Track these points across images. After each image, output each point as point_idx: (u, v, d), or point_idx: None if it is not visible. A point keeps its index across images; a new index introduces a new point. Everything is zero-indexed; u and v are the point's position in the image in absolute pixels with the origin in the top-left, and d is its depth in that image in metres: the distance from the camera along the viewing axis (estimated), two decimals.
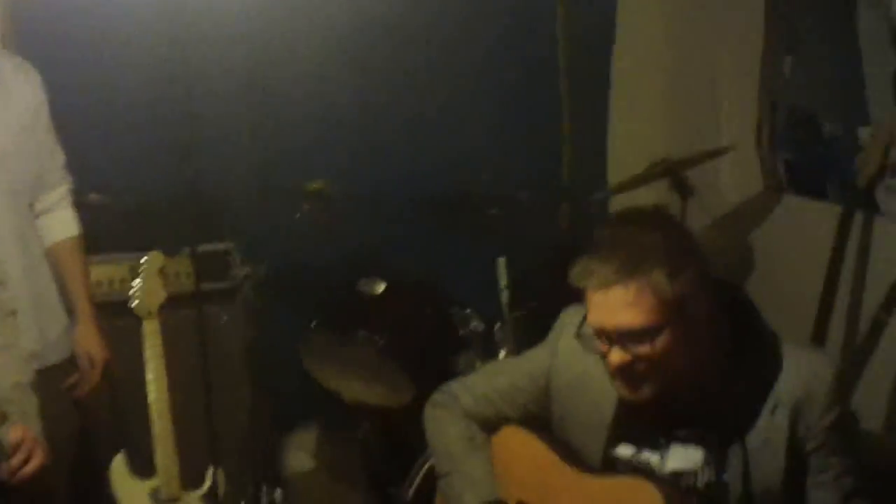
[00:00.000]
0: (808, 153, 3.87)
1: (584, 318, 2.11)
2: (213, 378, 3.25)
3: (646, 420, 2.17)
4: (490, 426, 2.44)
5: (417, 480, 3.27)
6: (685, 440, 2.16)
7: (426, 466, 3.24)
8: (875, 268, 3.54)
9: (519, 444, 2.39)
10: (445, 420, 2.45)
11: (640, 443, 2.21)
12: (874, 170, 3.39)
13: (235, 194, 3.88)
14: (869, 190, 3.45)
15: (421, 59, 4.31)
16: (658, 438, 2.18)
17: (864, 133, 3.53)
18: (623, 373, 2.06)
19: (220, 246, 3.71)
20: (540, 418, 2.38)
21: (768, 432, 2.08)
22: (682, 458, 2.17)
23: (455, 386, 2.49)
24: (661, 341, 2.00)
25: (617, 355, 2.04)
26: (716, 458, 2.13)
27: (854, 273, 3.59)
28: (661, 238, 2.03)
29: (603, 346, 2.07)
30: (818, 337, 3.46)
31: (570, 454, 2.30)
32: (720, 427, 2.11)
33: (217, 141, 3.73)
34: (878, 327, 3.25)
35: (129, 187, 3.83)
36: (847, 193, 3.51)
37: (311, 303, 3.68)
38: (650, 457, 2.20)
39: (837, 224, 3.48)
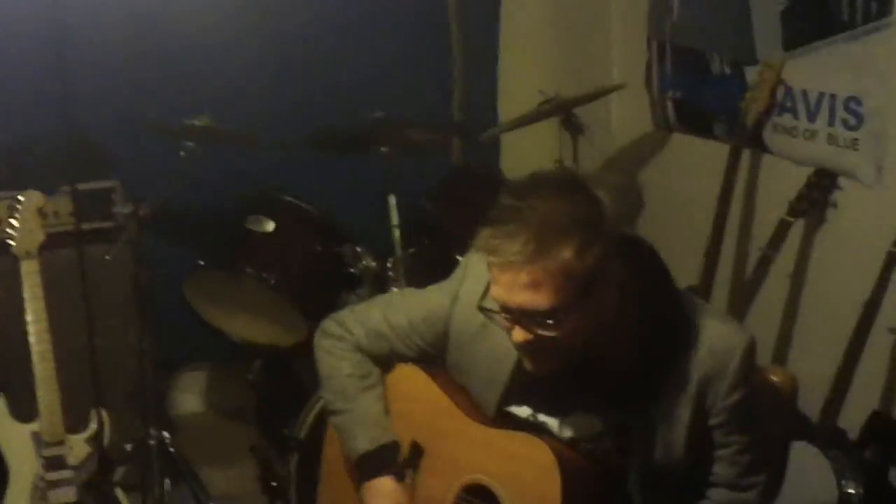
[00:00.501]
0: (697, 92, 3.89)
1: (487, 287, 2.03)
2: (96, 319, 3.16)
3: (546, 383, 2.12)
4: (383, 362, 2.39)
5: (310, 420, 3.23)
6: (586, 407, 2.12)
7: (318, 406, 3.21)
8: (762, 205, 3.61)
9: (414, 385, 2.35)
10: (337, 353, 2.38)
11: (538, 405, 2.17)
12: (761, 108, 3.44)
13: (118, 131, 3.76)
14: (756, 128, 3.51)
15: None
16: (559, 403, 2.15)
17: (751, 72, 3.56)
18: (527, 348, 1.99)
19: (103, 184, 3.60)
20: (433, 360, 2.34)
21: (673, 404, 2.04)
22: (582, 424, 2.13)
23: (348, 317, 2.40)
24: (568, 321, 1.91)
25: (521, 333, 1.95)
26: (617, 427, 2.11)
27: (742, 210, 3.66)
28: (570, 210, 1.88)
29: (506, 321, 1.97)
30: (707, 273, 3.51)
31: (466, 402, 2.26)
32: (624, 395, 2.06)
33: (97, 77, 3.62)
34: (765, 262, 3.30)
35: (6, 125, 3.72)
36: (735, 132, 3.55)
37: (198, 241, 3.60)
38: (548, 420, 2.16)
39: (726, 162, 3.52)
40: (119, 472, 3.33)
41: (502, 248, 1.86)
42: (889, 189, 3.08)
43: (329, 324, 2.44)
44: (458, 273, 2.27)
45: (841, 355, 3.01)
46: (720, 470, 2.11)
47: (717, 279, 3.56)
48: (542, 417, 2.17)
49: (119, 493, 3.29)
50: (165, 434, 3.42)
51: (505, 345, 2.10)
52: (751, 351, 2.06)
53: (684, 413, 2.04)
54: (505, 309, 1.95)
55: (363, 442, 2.31)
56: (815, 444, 2.97)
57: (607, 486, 2.13)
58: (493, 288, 1.94)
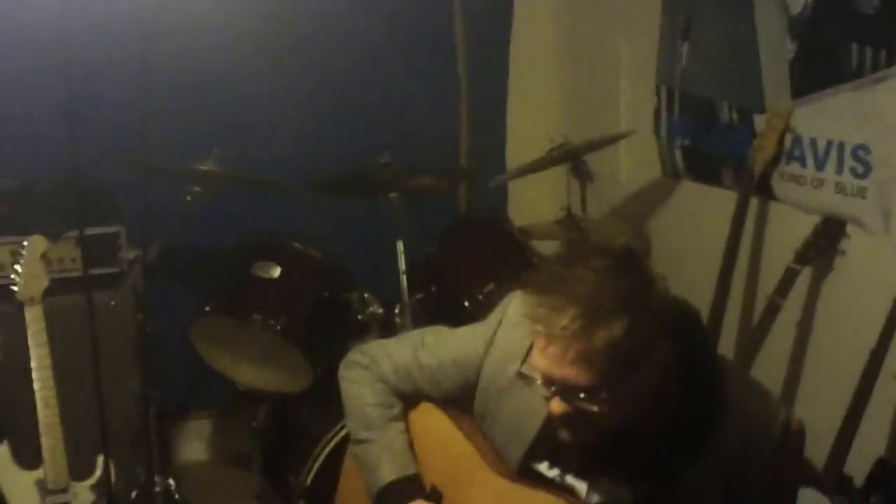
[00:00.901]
0: (705, 140, 3.89)
1: (528, 351, 1.99)
2: (101, 365, 3.15)
3: (575, 447, 2.06)
4: (406, 399, 2.34)
5: (316, 467, 3.22)
6: (616, 475, 2.06)
7: (325, 453, 3.20)
8: (769, 253, 3.60)
9: (436, 426, 2.30)
10: (362, 382, 2.34)
11: (565, 467, 2.11)
12: (769, 156, 3.43)
13: (123, 176, 3.75)
14: (764, 176, 3.50)
15: (318, 41, 4.25)
16: (587, 468, 2.09)
17: (759, 120, 3.56)
18: (565, 421, 1.94)
19: (108, 229, 3.61)
20: (461, 403, 2.28)
21: (703, 481, 1.97)
22: (610, 493, 2.06)
23: (375, 349, 2.37)
24: (612, 398, 1.86)
25: (560, 406, 1.91)
26: (646, 499, 2.03)
27: (749, 258, 3.65)
28: (624, 286, 1.82)
29: (546, 392, 1.92)
30: (715, 321, 3.49)
31: (489, 451, 2.20)
32: (656, 468, 2.00)
33: (103, 122, 3.61)
34: (772, 310, 3.28)
35: (10, 169, 3.71)
36: (742, 179, 3.53)
37: (204, 287, 3.59)
38: (575, 483, 2.10)
39: (733, 210, 3.51)
40: None
41: (549, 321, 1.82)
42: None
43: (355, 354, 2.41)
44: (494, 318, 2.21)
45: (847, 402, 2.99)
46: None
47: (724, 327, 3.54)
48: (570, 480, 2.11)
49: None
50: (171, 481, 3.41)
51: (536, 401, 2.03)
52: (786, 429, 1.98)
53: (713, 491, 1.97)
54: (547, 379, 1.90)
55: (389, 472, 2.26)
56: (821, 491, 2.93)
57: None
58: (537, 356, 1.90)
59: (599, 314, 1.79)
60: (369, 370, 2.35)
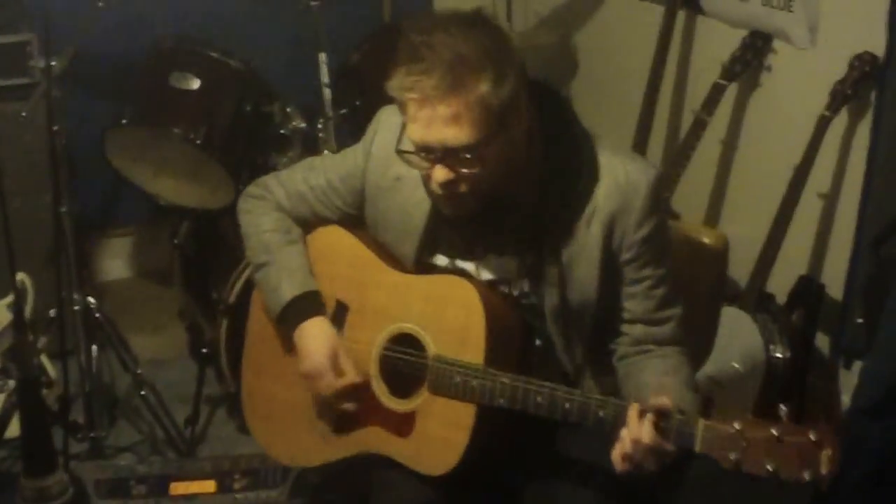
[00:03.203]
0: None
1: (402, 130, 2.03)
2: (13, 179, 3.06)
3: (460, 229, 2.14)
4: (305, 224, 2.38)
5: (239, 284, 3.19)
6: (501, 250, 2.14)
7: (248, 270, 3.16)
8: (697, 68, 3.59)
9: (335, 241, 2.34)
10: (259, 211, 2.37)
11: (454, 252, 2.18)
12: None
13: None
14: None
15: None
16: (473, 248, 2.16)
17: None
18: (447, 189, 2.00)
19: (18, 37, 3.48)
20: (355, 221, 2.32)
21: (583, 243, 2.05)
22: (498, 267, 2.15)
23: (269, 180, 2.40)
24: (488, 156, 1.93)
25: (441, 172, 1.95)
26: (531, 268, 2.12)
27: (676, 73, 3.63)
28: (484, 43, 1.89)
29: (425, 164, 1.98)
30: (641, 136, 3.50)
31: (389, 255, 2.27)
32: (536, 237, 2.08)
33: None
34: (698, 126, 3.28)
35: None
36: None
37: (121, 98, 3.46)
38: (465, 265, 2.17)
39: (661, 23, 3.47)
40: (43, 339, 3.28)
41: (419, 85, 1.87)
42: (822, 52, 3.05)
43: (250, 188, 2.43)
44: (370, 130, 2.26)
45: (771, 220, 3.02)
46: (635, 306, 2.12)
47: (650, 142, 3.55)
48: (459, 264, 2.18)
49: (44, 359, 3.25)
50: (90, 299, 3.36)
51: (418, 195, 2.14)
52: (657, 184, 2.07)
53: (595, 250, 2.06)
54: (425, 148, 1.96)
55: (289, 289, 2.28)
56: (743, 309, 3.00)
57: (526, 324, 2.16)
58: (411, 128, 1.94)
59: (465, 70, 1.86)
60: (265, 199, 2.38)
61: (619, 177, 2.04)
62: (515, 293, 2.15)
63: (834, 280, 2.99)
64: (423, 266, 2.21)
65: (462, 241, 2.16)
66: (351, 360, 2.21)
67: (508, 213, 2.08)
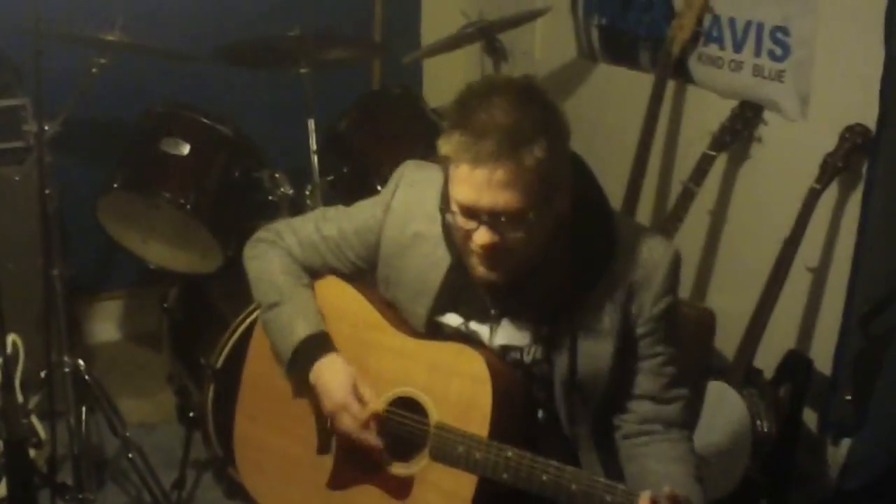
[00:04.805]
0: (622, 18, 3.84)
1: (445, 186, 2.02)
2: (6, 242, 3.06)
3: (476, 292, 2.13)
4: (314, 275, 2.36)
5: (227, 349, 3.18)
6: (516, 316, 2.13)
7: (236, 335, 3.16)
8: (686, 138, 3.60)
9: (341, 297, 2.32)
10: (270, 255, 2.35)
11: (468, 314, 2.17)
12: (687, 36, 3.41)
13: (25, 45, 3.60)
14: (682, 58, 3.48)
15: None
16: (489, 311, 2.15)
17: (678, 0, 3.52)
18: (487, 253, 1.98)
19: (12, 102, 3.49)
20: (365, 276, 2.32)
21: (600, 314, 2.06)
22: (512, 333, 2.14)
23: (280, 226, 2.39)
24: (533, 224, 1.93)
25: (485, 236, 1.94)
26: (545, 336, 2.11)
27: (665, 143, 3.64)
28: (539, 112, 1.90)
29: (468, 225, 1.96)
30: (629, 205, 3.50)
31: (395, 317, 2.26)
32: (552, 305, 2.08)
33: None
34: (687, 197, 3.27)
35: None
36: (660, 61, 3.50)
37: (112, 162, 3.48)
38: (479, 328, 2.17)
39: (650, 92, 3.49)
40: (34, 400, 3.26)
41: (476, 147, 1.87)
42: (813, 124, 3.06)
43: (260, 233, 2.41)
44: (391, 184, 2.25)
45: (759, 293, 3.01)
46: (644, 382, 2.12)
47: (638, 211, 3.55)
48: (473, 326, 2.17)
49: (34, 421, 3.23)
50: (80, 362, 3.36)
51: (438, 254, 2.13)
52: (676, 262, 2.10)
53: (611, 322, 2.06)
54: (472, 210, 1.94)
55: (303, 328, 2.25)
56: (730, 383, 2.99)
57: (534, 397, 2.16)
58: (460, 188, 1.93)
59: (521, 136, 1.86)
60: (275, 245, 2.36)
61: (642, 252, 2.07)
62: (527, 360, 2.14)
63: (822, 355, 2.98)
64: (433, 325, 2.20)
65: (479, 304, 2.15)
66: (370, 388, 2.18)
67: (533, 282, 2.08)
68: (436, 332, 2.20)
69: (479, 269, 2.04)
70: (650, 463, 2.08)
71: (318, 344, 2.25)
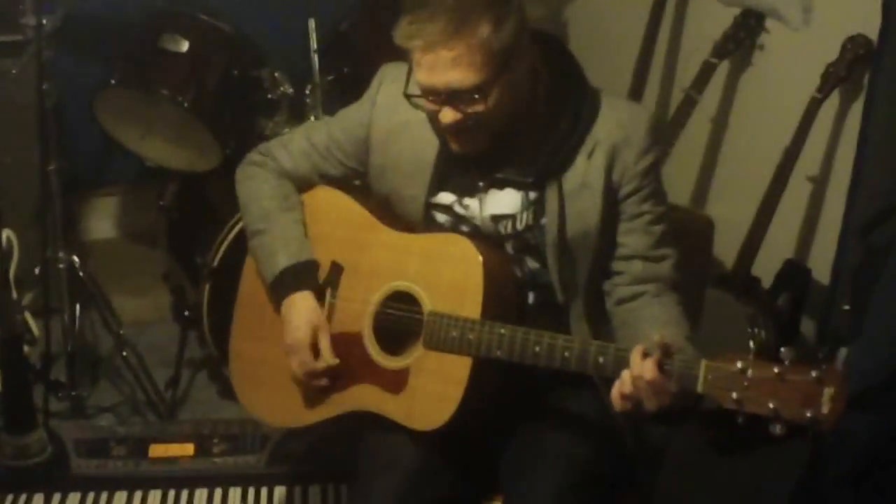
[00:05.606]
0: None
1: (409, 75, 2.09)
2: (2, 136, 3.04)
3: (466, 166, 2.19)
4: (307, 184, 2.41)
5: (224, 248, 3.19)
6: (503, 184, 2.19)
7: (233, 234, 3.17)
8: (688, 45, 3.57)
9: (330, 203, 2.38)
10: (259, 177, 2.41)
11: (460, 190, 2.23)
12: None
13: None
14: None
15: None
16: (477, 184, 2.20)
17: None
18: (455, 129, 2.08)
19: None
20: (358, 176, 2.37)
21: (585, 174, 2.12)
22: (501, 202, 2.19)
23: (272, 145, 2.44)
24: (492, 97, 2.01)
25: (449, 114, 2.04)
26: (534, 201, 2.17)
27: (667, 50, 3.62)
28: None
29: (433, 106, 2.07)
30: None
31: (388, 215, 2.30)
32: (538, 169, 2.14)
33: None
34: (688, 104, 3.26)
35: None
36: None
37: (110, 59, 3.44)
38: (470, 202, 2.22)
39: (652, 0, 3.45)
40: (28, 297, 3.27)
41: (424, 31, 1.96)
42: (815, 33, 3.03)
43: (251, 154, 2.47)
44: (374, 82, 2.32)
45: (758, 202, 3.02)
46: (633, 241, 2.16)
47: None
48: (466, 201, 2.22)
49: (28, 317, 3.24)
50: (75, 258, 3.36)
51: (427, 136, 2.21)
52: (655, 121, 2.17)
53: (597, 180, 2.11)
54: (431, 91, 2.04)
55: (283, 258, 2.31)
56: (728, 292, 3.00)
57: (525, 279, 2.22)
58: (418, 73, 2.03)
59: (467, 15, 1.95)
60: (265, 165, 2.42)
61: (621, 112, 2.15)
62: (520, 227, 2.18)
63: (821, 265, 2.96)
64: (428, 209, 2.24)
65: (468, 179, 2.21)
66: (330, 343, 2.25)
67: (513, 147, 2.15)
68: (431, 220, 2.25)
69: (454, 146, 2.13)
70: (643, 327, 2.10)
71: (296, 274, 2.31)
